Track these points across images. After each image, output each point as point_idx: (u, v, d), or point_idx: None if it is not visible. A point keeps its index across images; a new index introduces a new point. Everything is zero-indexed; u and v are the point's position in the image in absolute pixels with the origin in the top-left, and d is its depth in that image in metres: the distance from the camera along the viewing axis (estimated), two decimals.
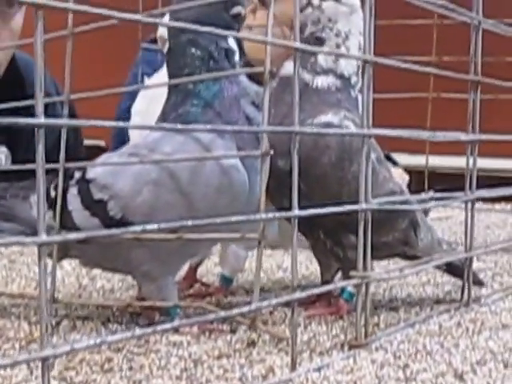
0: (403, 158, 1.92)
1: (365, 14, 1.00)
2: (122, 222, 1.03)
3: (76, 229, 1.06)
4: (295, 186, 0.89)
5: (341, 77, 1.17)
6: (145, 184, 1.02)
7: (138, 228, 0.70)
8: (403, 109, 2.24)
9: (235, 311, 0.79)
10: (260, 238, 0.87)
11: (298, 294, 0.87)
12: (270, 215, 0.84)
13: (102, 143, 2.87)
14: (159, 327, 0.72)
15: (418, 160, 2.03)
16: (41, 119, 0.62)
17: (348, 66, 1.17)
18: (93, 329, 1.08)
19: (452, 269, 1.27)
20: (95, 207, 1.05)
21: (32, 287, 1.34)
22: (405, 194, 1.20)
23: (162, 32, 1.43)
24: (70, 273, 1.46)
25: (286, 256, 1.63)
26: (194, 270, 1.39)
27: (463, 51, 1.23)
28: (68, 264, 1.49)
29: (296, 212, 0.87)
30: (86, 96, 1.10)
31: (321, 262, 1.21)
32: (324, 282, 1.21)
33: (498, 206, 2.16)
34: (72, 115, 1.85)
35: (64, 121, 1.00)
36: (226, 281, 1.31)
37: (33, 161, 0.65)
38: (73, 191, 1.07)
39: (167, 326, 0.73)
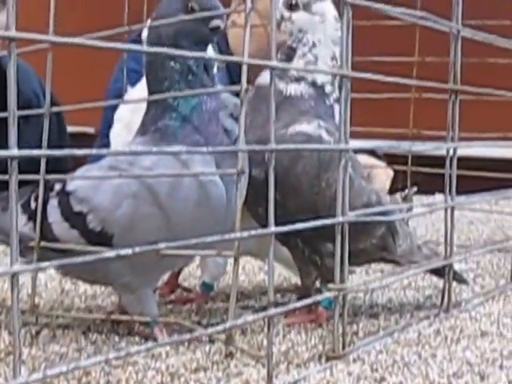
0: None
1: (342, 29, 1.01)
2: (102, 235, 1.04)
3: (55, 240, 1.06)
4: (271, 203, 0.90)
5: (313, 85, 1.18)
6: (124, 197, 1.03)
7: (111, 253, 0.70)
8: (387, 108, 2.25)
9: (210, 330, 0.79)
10: (236, 255, 0.87)
11: (274, 310, 0.87)
12: (246, 234, 0.85)
13: (90, 130, 2.86)
14: (133, 349, 0.72)
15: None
16: (14, 151, 0.63)
17: (320, 75, 1.18)
18: (72, 339, 1.08)
19: (433, 269, 1.28)
20: (75, 219, 1.06)
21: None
22: (382, 201, 1.21)
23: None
24: (53, 277, 1.46)
25: None
26: (175, 275, 1.40)
27: (446, 51, 1.24)
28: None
29: (272, 229, 0.87)
30: (68, 108, 1.11)
31: (300, 268, 1.22)
32: (305, 288, 1.22)
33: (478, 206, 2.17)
34: (54, 104, 1.86)
35: (42, 151, 0.99)
36: (207, 287, 1.32)
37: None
38: (53, 203, 1.07)
39: (141, 348, 0.74)
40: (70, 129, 2.18)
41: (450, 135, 1.22)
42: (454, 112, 1.22)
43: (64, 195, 1.07)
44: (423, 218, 2.13)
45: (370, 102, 1.91)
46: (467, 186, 1.73)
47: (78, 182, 1.07)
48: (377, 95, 1.83)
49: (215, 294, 1.35)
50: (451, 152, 1.22)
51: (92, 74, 2.60)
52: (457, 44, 1.22)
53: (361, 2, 1.08)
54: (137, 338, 1.09)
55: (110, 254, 0.70)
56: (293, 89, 1.17)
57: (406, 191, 2.18)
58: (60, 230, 1.07)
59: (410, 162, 1.98)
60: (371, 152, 1.94)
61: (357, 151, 1.99)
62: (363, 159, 1.96)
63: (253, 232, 0.86)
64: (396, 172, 1.99)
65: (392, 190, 2.03)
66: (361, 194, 1.17)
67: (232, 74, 1.82)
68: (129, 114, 1.33)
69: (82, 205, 1.05)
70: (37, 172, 1.10)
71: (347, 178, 1.01)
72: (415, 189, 2.16)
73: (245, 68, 0.88)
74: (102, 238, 1.04)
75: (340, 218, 0.99)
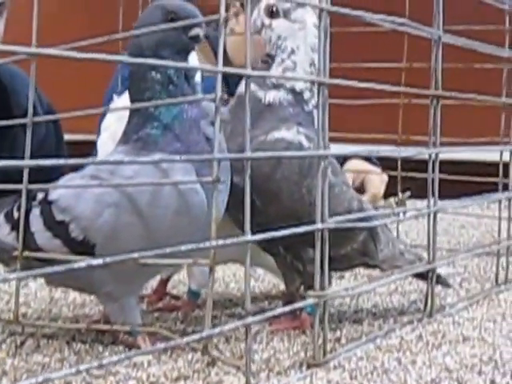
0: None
1: (320, 36, 1.01)
2: (84, 244, 1.05)
3: (39, 250, 1.07)
4: (247, 211, 0.90)
5: (292, 91, 1.18)
6: (106, 206, 1.04)
7: (82, 264, 0.71)
8: (378, 113, 2.25)
9: (185, 339, 0.80)
10: (211, 264, 0.88)
11: (251, 319, 0.88)
12: (221, 242, 0.85)
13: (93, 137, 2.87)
14: (105, 361, 0.73)
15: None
16: None
17: (299, 82, 1.19)
18: (56, 349, 1.09)
19: (419, 274, 1.28)
20: (57, 229, 1.06)
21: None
22: (364, 207, 1.21)
23: None
24: (43, 286, 1.46)
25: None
26: (164, 283, 1.41)
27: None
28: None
29: (248, 237, 0.88)
30: (52, 118, 1.11)
31: (284, 275, 1.23)
32: (289, 294, 1.23)
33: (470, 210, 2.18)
34: (50, 112, 1.86)
35: (24, 162, 1.00)
36: (194, 295, 1.32)
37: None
38: (35, 212, 1.08)
39: (114, 358, 0.74)
40: (75, 137, 2.17)
41: (432, 140, 1.23)
42: (436, 117, 1.23)
43: (46, 204, 1.07)
44: (415, 223, 2.13)
45: (361, 108, 1.93)
46: (454, 190, 1.74)
47: (60, 191, 1.08)
48: (366, 101, 1.83)
49: (202, 302, 1.35)
50: (433, 157, 1.23)
51: (91, 81, 2.61)
52: (438, 50, 1.23)
53: (338, 9, 1.08)
54: (121, 348, 1.10)
55: (81, 264, 0.71)
56: (272, 96, 1.18)
57: (400, 196, 2.20)
58: (43, 240, 1.07)
59: (399, 168, 1.99)
60: (366, 158, 1.95)
61: (352, 157, 2.03)
62: (358, 164, 1.98)
63: (228, 240, 0.86)
64: (390, 177, 2.00)
65: (386, 195, 2.05)
66: (342, 200, 1.17)
67: (229, 81, 1.83)
68: (114, 124, 1.34)
69: (64, 214, 1.06)
70: (35, 180, 1.10)
71: (326, 184, 1.02)
72: (408, 193, 2.17)
73: (219, 77, 0.89)
74: (84, 247, 1.04)
75: (319, 225, 1.00)
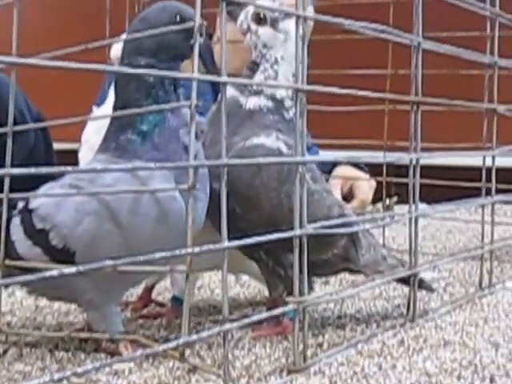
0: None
1: (297, 44, 1.02)
2: (64, 252, 1.05)
3: (19, 258, 1.07)
4: (224, 218, 0.91)
5: (272, 98, 1.19)
6: (86, 214, 1.04)
7: (54, 272, 0.71)
8: (363, 117, 2.26)
9: (162, 347, 0.80)
10: (188, 272, 0.88)
11: (229, 326, 0.88)
12: (197, 249, 0.85)
13: None
14: (80, 369, 0.73)
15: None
16: None
17: (280, 90, 1.20)
18: (38, 357, 1.09)
19: (402, 279, 1.28)
20: (37, 237, 1.07)
21: None
22: (345, 212, 1.21)
23: (116, 52, 1.44)
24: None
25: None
26: (149, 290, 1.41)
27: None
28: None
29: (226, 244, 0.88)
30: (34, 127, 1.11)
31: (267, 281, 1.23)
32: (272, 300, 1.23)
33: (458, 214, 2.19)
34: (39, 120, 1.86)
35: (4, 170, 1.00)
36: (178, 301, 1.32)
37: None
38: (16, 221, 1.09)
39: (88, 367, 0.74)
40: (64, 146, 2.17)
41: (413, 146, 1.23)
42: (417, 123, 1.23)
43: (26, 213, 1.08)
44: (402, 228, 2.13)
45: (348, 114, 1.94)
46: (439, 195, 1.74)
47: (40, 200, 1.08)
48: (353, 108, 1.85)
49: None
50: (414, 162, 1.23)
51: (81, 90, 2.61)
52: (418, 56, 1.23)
53: (317, 16, 1.09)
54: (103, 356, 1.10)
55: (53, 272, 0.71)
56: (253, 102, 1.19)
57: (387, 201, 2.20)
58: (23, 248, 1.08)
59: (384, 173, 2.00)
60: (355, 164, 1.96)
61: (341, 163, 2.04)
62: (347, 171, 1.98)
63: (205, 247, 0.87)
64: (379, 183, 2.01)
65: (375, 201, 2.06)
66: (321, 207, 1.18)
67: (217, 89, 1.83)
68: (94, 136, 1.34)
69: (44, 222, 1.06)
70: (24, 189, 1.10)
71: (304, 190, 1.02)
72: (395, 199, 2.18)
73: (194, 84, 0.89)
74: (64, 255, 1.05)
75: (298, 231, 1.00)
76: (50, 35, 3.32)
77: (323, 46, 1.70)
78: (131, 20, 2.20)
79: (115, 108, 1.11)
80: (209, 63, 2.64)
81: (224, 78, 0.89)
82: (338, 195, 1.86)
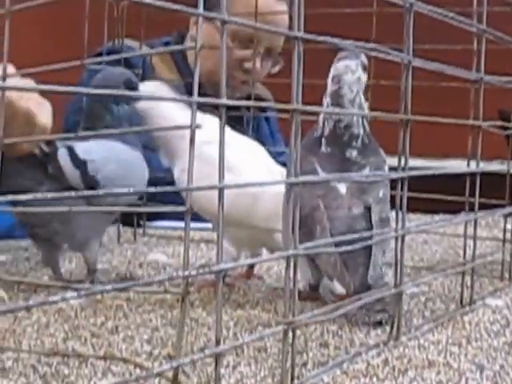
0: None
1: (293, 64, 1.01)
2: (94, 180, 1.46)
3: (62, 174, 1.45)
4: (221, 237, 0.90)
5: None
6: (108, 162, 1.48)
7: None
8: None
9: (156, 370, 0.80)
10: (183, 295, 0.87)
11: (221, 347, 0.88)
12: (194, 272, 0.85)
13: None
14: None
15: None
16: None
17: None
18: (22, 373, 1.07)
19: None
20: (80, 165, 1.45)
21: None
22: None
23: None
24: (6, 304, 1.44)
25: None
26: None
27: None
28: (5, 292, 1.48)
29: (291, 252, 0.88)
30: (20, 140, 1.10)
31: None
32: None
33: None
34: None
35: None
36: None
37: None
38: (62, 151, 1.45)
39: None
40: None
41: (402, 164, 1.23)
42: (405, 141, 1.23)
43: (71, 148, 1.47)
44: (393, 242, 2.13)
45: None
46: (422, 205, 1.75)
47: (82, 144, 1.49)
48: None
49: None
50: (401, 180, 1.23)
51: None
52: (408, 74, 1.24)
53: (312, 36, 1.09)
54: (86, 371, 1.08)
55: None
56: None
57: None
58: (70, 171, 1.44)
59: None
60: None
61: None
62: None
63: (201, 271, 0.86)
64: None
65: None
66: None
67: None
68: None
69: (85, 155, 1.46)
70: None
71: (297, 211, 1.02)
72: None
73: (194, 107, 0.88)
74: (94, 183, 1.45)
75: (291, 252, 1.00)
76: (30, 40, 3.28)
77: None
78: (110, 24, 2.19)
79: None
80: (183, 66, 2.63)
81: (224, 101, 0.89)
82: None
